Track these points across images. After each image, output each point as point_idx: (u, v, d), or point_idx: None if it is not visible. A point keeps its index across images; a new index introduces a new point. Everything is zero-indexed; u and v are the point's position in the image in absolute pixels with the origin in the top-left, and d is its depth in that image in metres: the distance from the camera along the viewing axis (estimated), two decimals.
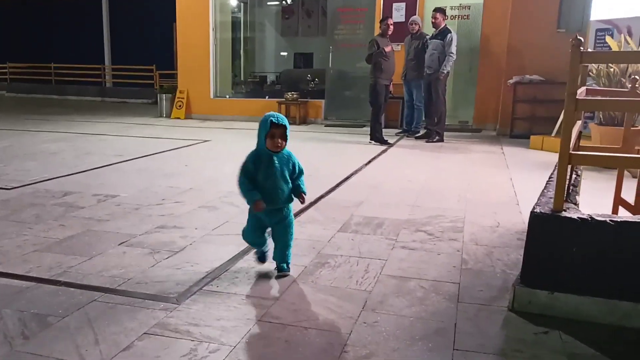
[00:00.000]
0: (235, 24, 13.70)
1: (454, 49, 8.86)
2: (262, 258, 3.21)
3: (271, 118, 2.83)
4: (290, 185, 2.97)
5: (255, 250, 3.24)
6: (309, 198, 4.89)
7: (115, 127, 10.89)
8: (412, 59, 9.71)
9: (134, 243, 3.64)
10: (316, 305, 2.72)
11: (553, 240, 2.59)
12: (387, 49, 8.68)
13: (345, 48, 11.55)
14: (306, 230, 4.01)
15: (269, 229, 3.10)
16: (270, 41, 15.26)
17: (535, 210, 2.63)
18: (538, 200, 2.82)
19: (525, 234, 2.70)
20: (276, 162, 2.90)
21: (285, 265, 3.10)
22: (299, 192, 3.00)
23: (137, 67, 19.77)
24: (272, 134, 2.84)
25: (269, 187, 2.89)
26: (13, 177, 5.73)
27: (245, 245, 3.59)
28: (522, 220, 4.22)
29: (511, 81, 9.65)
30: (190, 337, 2.37)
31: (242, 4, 14.03)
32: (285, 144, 2.91)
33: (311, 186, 5.45)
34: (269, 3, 15.02)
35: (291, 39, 14.89)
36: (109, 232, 3.90)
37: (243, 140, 9.34)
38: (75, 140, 8.88)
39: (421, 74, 9.39)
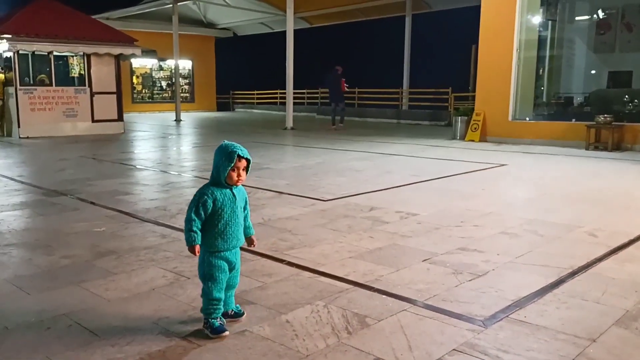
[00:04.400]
0: (540, 42, 13.10)
1: None
2: (222, 326, 2.66)
3: (237, 151, 2.57)
4: None
5: (213, 315, 2.66)
6: (625, 232, 4.43)
7: (411, 148, 11.51)
8: None
9: (437, 261, 3.78)
10: None
11: None
12: None
13: None
14: (625, 268, 3.59)
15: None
16: (579, 59, 14.12)
17: None
18: None
19: None
20: (237, 196, 2.66)
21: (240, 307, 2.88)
22: (248, 235, 2.79)
23: (432, 90, 20.57)
24: (236, 167, 2.59)
25: (234, 224, 2.64)
26: (327, 190, 6.54)
27: (554, 277, 3.42)
28: None
29: None
30: None
31: (549, 22, 13.35)
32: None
33: (630, 219, 4.93)
34: (579, 18, 13.95)
35: (605, 56, 13.52)
36: (412, 247, 4.14)
37: (542, 165, 8.87)
38: (376, 159, 9.67)
39: None
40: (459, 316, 2.85)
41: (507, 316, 2.84)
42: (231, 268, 2.69)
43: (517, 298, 3.08)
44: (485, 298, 3.10)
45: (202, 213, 2.56)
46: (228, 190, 2.62)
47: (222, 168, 2.57)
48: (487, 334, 2.64)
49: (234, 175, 2.59)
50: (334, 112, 16.95)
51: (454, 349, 2.47)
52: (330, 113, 17.47)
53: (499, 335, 2.62)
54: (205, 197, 2.56)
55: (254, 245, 2.83)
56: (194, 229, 2.54)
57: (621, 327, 2.71)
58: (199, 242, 2.56)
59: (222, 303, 2.66)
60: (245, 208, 2.74)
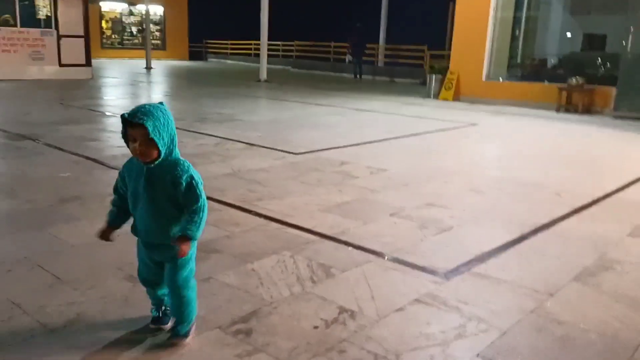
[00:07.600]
0: (518, 2, 12.99)
1: None
2: (156, 318, 2.19)
3: (124, 113, 1.83)
4: (174, 214, 1.96)
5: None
6: (589, 193, 4.53)
7: (385, 104, 11.47)
8: None
9: (404, 215, 3.82)
10: (597, 309, 2.51)
11: None
12: None
13: None
14: (587, 228, 3.69)
15: None
16: (555, 20, 14.04)
17: None
18: None
19: None
20: (145, 176, 1.93)
21: (180, 327, 2.07)
22: (177, 235, 1.94)
23: (408, 47, 20.36)
24: (129, 135, 1.86)
25: (138, 211, 1.99)
26: (299, 143, 6.49)
27: (516, 234, 3.50)
28: None
29: None
30: (460, 313, 2.41)
31: None
32: (156, 153, 1.87)
33: (595, 181, 5.04)
34: None
35: (581, 18, 13.49)
36: (380, 202, 4.16)
37: (512, 126, 8.96)
38: (350, 114, 9.62)
39: None
40: (422, 268, 2.89)
41: (469, 269, 2.90)
42: (152, 260, 2.07)
43: (479, 252, 3.14)
44: (448, 251, 3.15)
45: (119, 186, 2.06)
46: (140, 164, 1.93)
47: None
48: (449, 286, 2.69)
49: (130, 146, 1.88)
50: (357, 66, 19.06)
51: (415, 299, 2.52)
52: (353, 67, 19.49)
53: (459, 287, 2.68)
54: (122, 168, 2.05)
55: (180, 252, 1.93)
56: (111, 203, 2.08)
57: (579, 282, 2.79)
58: (109, 219, 2.07)
59: (147, 288, 2.18)
60: (176, 195, 1.92)
